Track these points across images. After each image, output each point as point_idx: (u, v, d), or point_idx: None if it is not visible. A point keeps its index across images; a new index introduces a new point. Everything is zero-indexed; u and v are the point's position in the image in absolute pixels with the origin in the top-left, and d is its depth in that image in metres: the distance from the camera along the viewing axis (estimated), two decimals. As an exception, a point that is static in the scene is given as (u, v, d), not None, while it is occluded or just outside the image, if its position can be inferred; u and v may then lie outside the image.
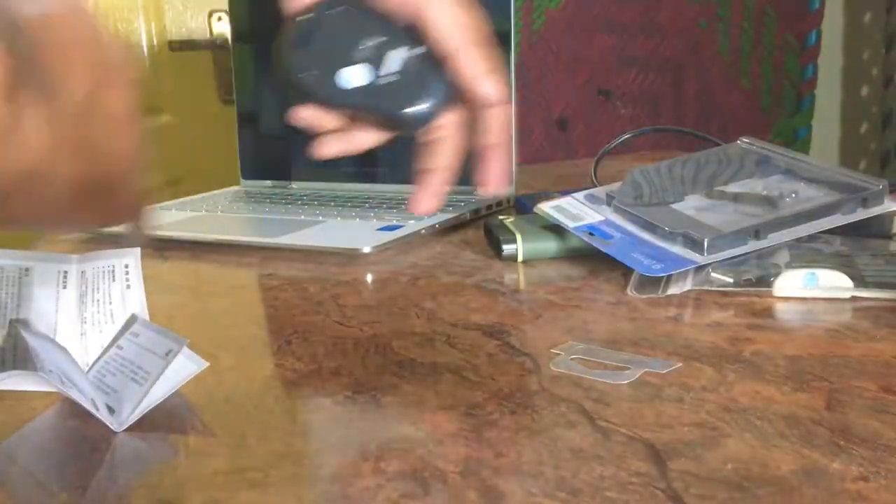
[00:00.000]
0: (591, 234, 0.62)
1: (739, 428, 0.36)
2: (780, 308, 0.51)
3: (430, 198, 0.43)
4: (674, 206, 0.64)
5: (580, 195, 0.69)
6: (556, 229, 0.64)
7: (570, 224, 0.63)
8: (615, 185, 0.69)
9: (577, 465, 0.33)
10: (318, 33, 0.45)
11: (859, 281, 0.52)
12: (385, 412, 0.39)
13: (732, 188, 0.65)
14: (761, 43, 2.12)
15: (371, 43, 0.44)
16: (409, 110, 0.43)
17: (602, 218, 0.64)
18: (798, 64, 2.16)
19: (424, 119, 0.43)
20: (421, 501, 0.31)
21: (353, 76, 0.44)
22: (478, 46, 0.41)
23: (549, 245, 0.64)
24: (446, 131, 0.43)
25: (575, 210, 0.66)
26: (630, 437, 0.35)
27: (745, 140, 0.72)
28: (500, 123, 0.42)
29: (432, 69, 0.42)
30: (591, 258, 0.62)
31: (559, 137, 2.00)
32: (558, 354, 0.45)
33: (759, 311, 0.51)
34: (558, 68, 1.95)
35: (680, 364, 0.43)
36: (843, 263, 0.54)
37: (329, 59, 0.44)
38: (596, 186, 0.72)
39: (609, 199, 0.66)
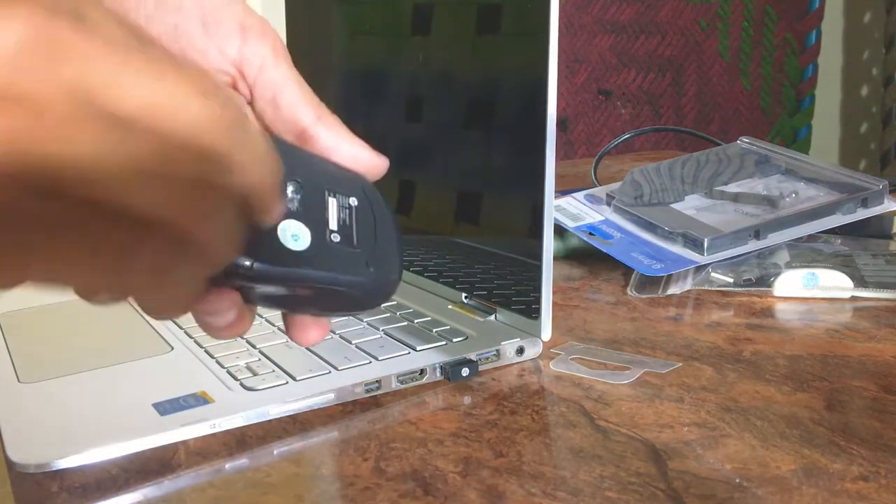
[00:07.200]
0: (591, 233, 0.62)
1: (739, 428, 0.36)
2: (780, 308, 0.51)
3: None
4: (674, 206, 0.64)
5: (580, 195, 0.69)
6: (556, 229, 0.64)
7: (569, 224, 0.63)
8: (615, 185, 0.69)
9: (577, 465, 0.33)
10: None
11: (859, 281, 0.52)
12: (385, 412, 0.39)
13: (732, 188, 0.65)
14: (761, 43, 2.12)
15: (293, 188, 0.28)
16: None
17: (602, 218, 0.64)
18: (798, 64, 2.16)
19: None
20: (421, 501, 0.31)
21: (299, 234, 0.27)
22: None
23: (549, 245, 0.64)
24: None
25: (575, 210, 0.66)
26: (630, 437, 0.35)
27: (745, 140, 0.72)
28: None
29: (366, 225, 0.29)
30: (591, 258, 0.62)
31: (559, 137, 2.00)
32: (558, 354, 0.45)
33: (759, 310, 0.51)
34: (558, 68, 1.96)
35: (680, 364, 0.43)
36: (843, 263, 0.54)
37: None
38: (596, 186, 0.72)
39: (609, 199, 0.66)
